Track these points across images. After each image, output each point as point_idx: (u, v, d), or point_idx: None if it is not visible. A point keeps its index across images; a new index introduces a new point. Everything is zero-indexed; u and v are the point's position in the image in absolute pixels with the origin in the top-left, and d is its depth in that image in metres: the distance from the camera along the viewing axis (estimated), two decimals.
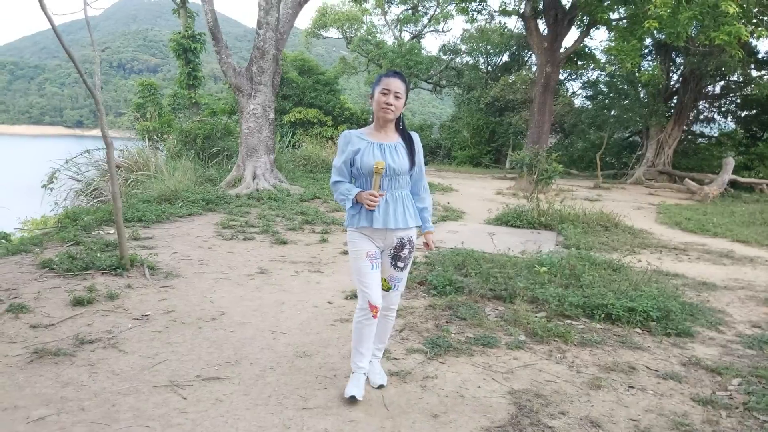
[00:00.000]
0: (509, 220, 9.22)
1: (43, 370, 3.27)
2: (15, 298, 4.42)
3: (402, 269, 3.16)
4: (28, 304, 4.27)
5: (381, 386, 3.28)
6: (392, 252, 3.12)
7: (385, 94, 2.99)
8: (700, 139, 23.93)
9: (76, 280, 4.95)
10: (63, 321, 4.04)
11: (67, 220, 7.23)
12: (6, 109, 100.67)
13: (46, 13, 4.93)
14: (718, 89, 22.33)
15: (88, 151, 12.84)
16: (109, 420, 2.79)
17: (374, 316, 3.07)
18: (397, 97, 2.99)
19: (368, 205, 2.95)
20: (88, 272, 5.14)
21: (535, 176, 13.05)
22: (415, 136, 3.15)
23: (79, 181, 12.48)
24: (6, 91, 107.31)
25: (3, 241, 6.55)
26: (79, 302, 4.36)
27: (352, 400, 3.09)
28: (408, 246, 3.14)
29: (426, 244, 3.35)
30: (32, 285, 4.77)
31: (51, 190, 11.83)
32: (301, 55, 27.07)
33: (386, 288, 3.17)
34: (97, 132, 6.87)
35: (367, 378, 3.28)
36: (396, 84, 2.99)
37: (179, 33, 20.50)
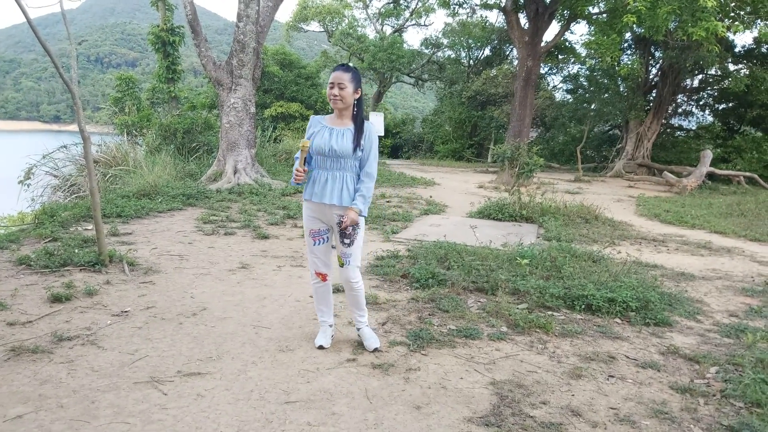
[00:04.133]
0: (491, 213, 9.27)
1: (21, 368, 3.22)
2: None
3: (349, 245, 3.49)
4: (5, 301, 4.20)
5: (376, 349, 3.67)
6: (338, 230, 3.48)
7: (331, 87, 3.37)
8: (678, 132, 24.23)
9: (53, 277, 4.87)
10: (41, 318, 3.98)
11: (44, 216, 7.10)
12: None
13: (21, 6, 4.83)
14: (696, 83, 22.59)
15: (65, 146, 12.63)
16: (89, 417, 2.75)
17: (323, 280, 3.66)
18: (341, 88, 3.34)
19: (294, 179, 3.40)
20: (65, 268, 5.07)
21: (517, 170, 13.13)
22: (368, 126, 3.46)
23: (56, 176, 12.27)
24: None
25: None
26: (57, 299, 4.30)
27: (321, 348, 3.68)
28: (350, 224, 3.43)
29: (347, 217, 3.44)
30: (9, 282, 4.69)
31: (28, 186, 11.63)
32: (282, 48, 26.91)
33: (340, 264, 3.56)
34: (74, 127, 6.76)
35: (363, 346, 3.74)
36: (339, 76, 3.34)
37: (158, 26, 20.23)
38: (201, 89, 27.05)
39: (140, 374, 3.22)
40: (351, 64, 3.48)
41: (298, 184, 3.43)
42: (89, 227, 6.74)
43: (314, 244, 3.58)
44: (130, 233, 6.78)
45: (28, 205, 11.22)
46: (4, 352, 3.39)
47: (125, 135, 15.53)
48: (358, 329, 3.77)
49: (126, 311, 4.22)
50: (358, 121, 3.44)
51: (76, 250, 5.50)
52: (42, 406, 2.83)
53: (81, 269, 5.10)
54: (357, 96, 3.42)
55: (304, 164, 3.43)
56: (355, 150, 3.39)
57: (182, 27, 19.93)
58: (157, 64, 21.52)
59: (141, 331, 3.87)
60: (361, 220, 3.50)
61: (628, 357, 3.77)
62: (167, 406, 2.88)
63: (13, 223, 9.28)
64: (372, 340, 3.71)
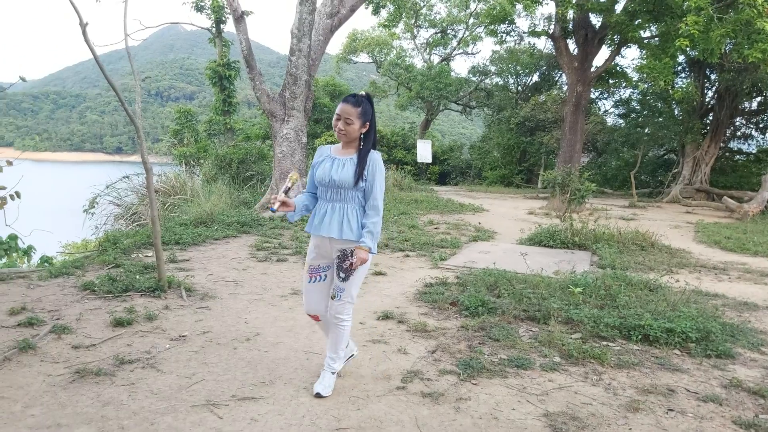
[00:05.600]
0: (542, 240, 9.13)
1: (85, 390, 3.36)
2: (58, 319, 4.56)
3: (343, 280, 3.30)
4: (70, 325, 4.41)
5: (318, 394, 3.35)
6: (336, 262, 3.32)
7: (337, 119, 3.25)
8: (737, 156, 23.38)
9: (116, 302, 5.08)
10: (104, 342, 4.15)
11: (108, 244, 7.43)
12: (49, 137, 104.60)
13: (88, 44, 5.16)
14: (755, 105, 21.83)
15: (127, 177, 13.23)
16: None
17: (315, 320, 3.57)
18: (348, 123, 3.20)
19: (269, 203, 3.22)
20: (127, 294, 5.29)
21: (568, 195, 12.93)
22: (373, 156, 3.29)
23: (119, 205, 12.86)
24: (49, 119, 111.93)
25: (46, 264, 6.78)
26: (119, 323, 4.48)
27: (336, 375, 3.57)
28: (350, 259, 3.25)
29: (356, 256, 3.23)
30: (74, 306, 4.92)
31: (92, 215, 12.22)
32: (332, 80, 27.57)
33: (332, 296, 3.37)
34: (135, 158, 7.11)
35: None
36: (347, 110, 3.20)
37: (215, 61, 21.06)
38: (255, 120, 27.89)
39: (197, 397, 3.32)
40: (364, 93, 3.31)
41: (272, 210, 3.17)
42: (149, 254, 7.01)
43: (309, 281, 3.44)
44: (188, 260, 7.01)
45: (92, 232, 11.78)
46: (69, 374, 3.55)
47: (183, 165, 16.15)
48: (324, 370, 3.47)
49: (183, 336, 4.36)
50: (362, 152, 3.28)
51: (137, 276, 5.73)
52: (104, 427, 2.95)
53: (141, 295, 5.31)
54: (364, 130, 3.27)
55: (286, 194, 3.24)
56: (357, 181, 3.22)
57: (237, 62, 20.68)
58: (213, 97, 22.34)
59: (198, 355, 3.99)
60: (369, 257, 3.29)
61: (688, 390, 3.63)
62: (222, 430, 2.95)
63: (77, 250, 9.74)
64: (323, 386, 3.38)
